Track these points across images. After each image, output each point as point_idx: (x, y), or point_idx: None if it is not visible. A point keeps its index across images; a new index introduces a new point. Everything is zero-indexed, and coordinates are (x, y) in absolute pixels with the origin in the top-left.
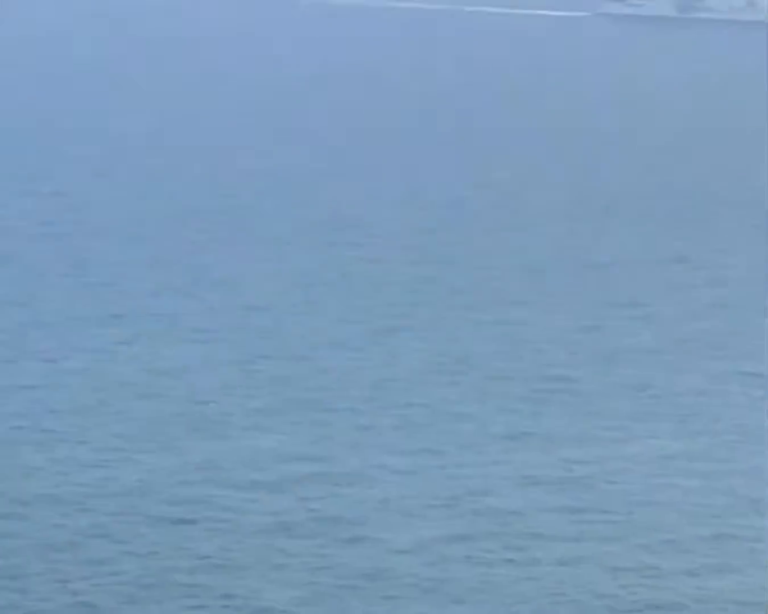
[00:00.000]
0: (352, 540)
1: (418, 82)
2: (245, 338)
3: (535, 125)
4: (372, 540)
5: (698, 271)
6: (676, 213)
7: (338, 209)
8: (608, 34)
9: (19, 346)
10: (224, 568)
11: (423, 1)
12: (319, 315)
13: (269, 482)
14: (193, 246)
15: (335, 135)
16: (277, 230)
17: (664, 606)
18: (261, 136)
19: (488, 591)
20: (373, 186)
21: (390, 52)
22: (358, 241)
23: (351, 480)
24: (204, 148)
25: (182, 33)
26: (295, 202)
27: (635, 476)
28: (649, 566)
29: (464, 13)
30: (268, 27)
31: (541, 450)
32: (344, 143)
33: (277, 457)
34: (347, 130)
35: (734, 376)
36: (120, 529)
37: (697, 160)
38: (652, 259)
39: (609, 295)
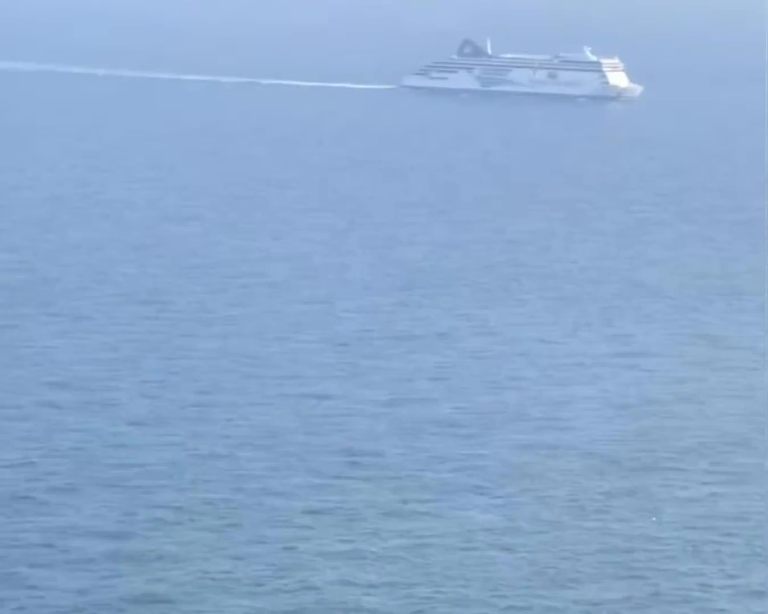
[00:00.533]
0: None
1: (201, 160)
2: (47, 413)
3: (330, 199)
4: None
5: (501, 344)
6: (482, 284)
7: (137, 282)
8: (409, 107)
9: None
10: None
11: (219, 74)
12: (122, 391)
13: (73, 559)
14: None
15: (133, 210)
16: (80, 305)
17: None
18: (65, 210)
19: None
20: (169, 258)
21: (174, 128)
22: (158, 315)
23: (157, 557)
24: (10, 221)
25: None
26: (97, 277)
27: (441, 549)
28: None
29: (261, 87)
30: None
31: (348, 525)
32: (141, 218)
33: (80, 534)
34: (146, 208)
35: (537, 448)
36: None
37: (504, 232)
38: (458, 331)
39: (412, 366)
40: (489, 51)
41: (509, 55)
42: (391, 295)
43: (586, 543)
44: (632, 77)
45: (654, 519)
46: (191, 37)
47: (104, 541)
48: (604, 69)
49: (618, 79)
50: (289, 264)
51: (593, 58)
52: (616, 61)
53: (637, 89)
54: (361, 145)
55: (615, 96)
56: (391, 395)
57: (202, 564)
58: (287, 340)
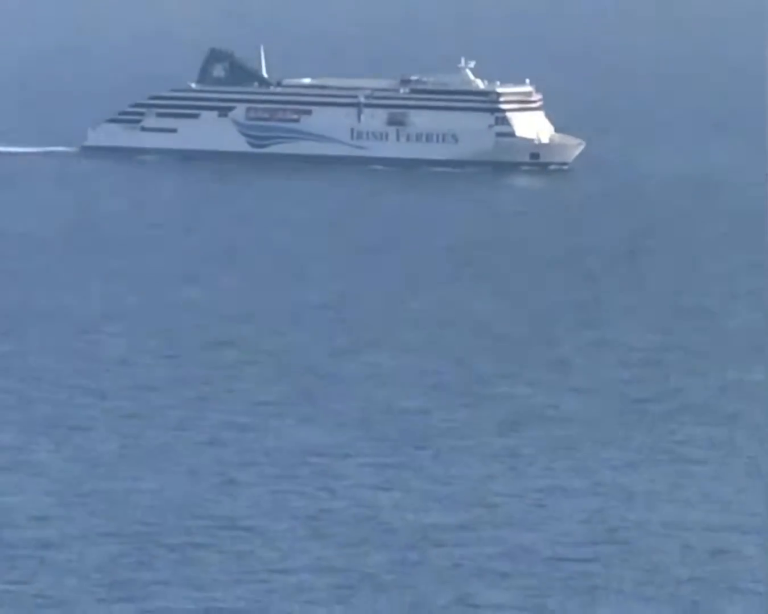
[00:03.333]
0: None
1: None
2: None
3: None
4: None
5: None
6: None
7: None
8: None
9: None
10: None
11: None
12: None
13: None
14: None
15: None
16: None
17: None
18: None
19: None
20: None
21: None
22: None
23: None
24: None
25: None
26: None
27: None
28: None
29: None
30: None
31: None
32: None
33: None
34: None
35: None
36: None
37: None
38: None
39: None
40: (264, 71)
41: (307, 80)
42: None
43: None
44: (558, 122)
45: None
46: None
47: None
48: (502, 105)
49: (532, 124)
50: None
51: (479, 82)
52: (528, 88)
53: (573, 145)
54: None
55: (528, 160)
56: None
57: None
58: None
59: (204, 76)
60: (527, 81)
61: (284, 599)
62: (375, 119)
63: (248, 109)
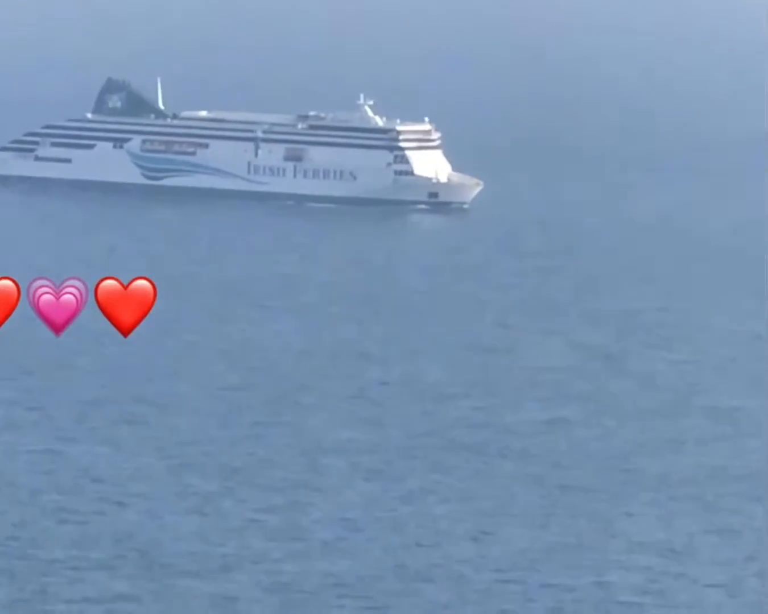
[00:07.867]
0: None
1: None
2: None
3: None
4: None
5: None
6: None
7: None
8: None
9: None
10: None
11: None
12: None
13: None
14: None
15: None
16: None
17: None
18: None
19: None
20: None
21: None
22: None
23: None
24: None
25: None
26: None
27: None
28: None
29: None
30: None
31: None
32: None
33: None
34: None
35: None
36: None
37: None
38: None
39: None
40: (161, 103)
41: (203, 113)
42: None
43: None
44: (454, 160)
45: None
46: None
47: None
48: (401, 143)
49: (430, 163)
50: None
51: (378, 119)
52: (427, 127)
53: (471, 185)
54: None
55: (426, 199)
56: None
57: None
58: None
59: (100, 107)
60: (426, 119)
61: None
62: (272, 154)
63: (144, 141)
